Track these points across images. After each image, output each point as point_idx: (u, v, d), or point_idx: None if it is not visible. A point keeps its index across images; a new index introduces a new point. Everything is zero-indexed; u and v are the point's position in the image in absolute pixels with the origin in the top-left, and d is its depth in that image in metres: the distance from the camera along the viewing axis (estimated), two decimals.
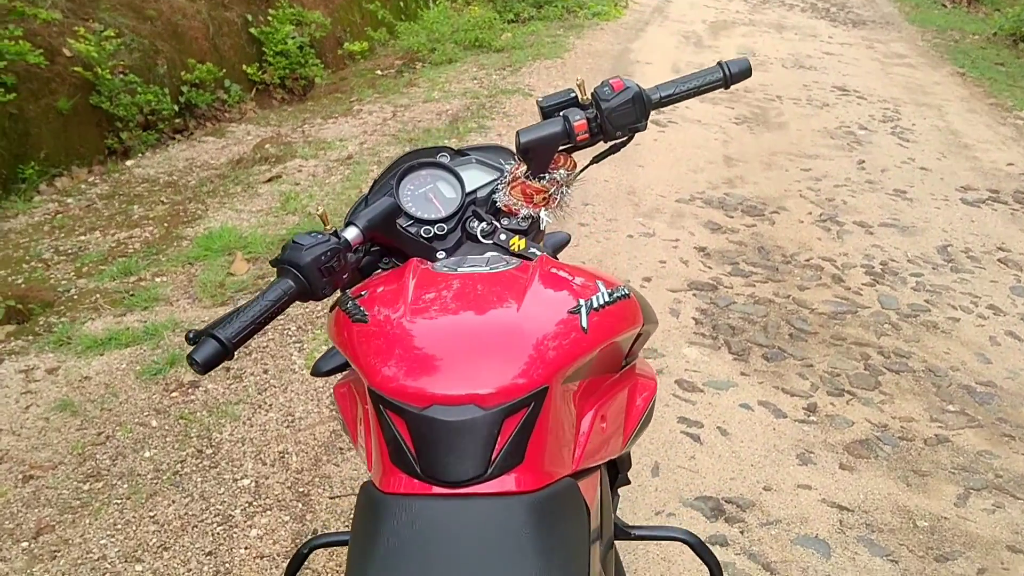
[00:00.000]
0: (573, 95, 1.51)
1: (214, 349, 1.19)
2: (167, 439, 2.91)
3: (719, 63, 1.56)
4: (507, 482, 1.07)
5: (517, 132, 1.47)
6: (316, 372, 1.56)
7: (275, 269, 1.29)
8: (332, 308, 1.34)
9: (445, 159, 1.62)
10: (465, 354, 1.09)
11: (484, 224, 1.52)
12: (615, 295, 1.27)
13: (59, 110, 5.95)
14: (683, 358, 3.53)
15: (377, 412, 1.12)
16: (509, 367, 1.08)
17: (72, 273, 4.20)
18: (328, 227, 1.33)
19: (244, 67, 7.40)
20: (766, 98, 7.40)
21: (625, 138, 1.54)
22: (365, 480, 1.18)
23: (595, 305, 1.21)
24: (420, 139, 6.03)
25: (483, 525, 1.05)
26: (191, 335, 1.21)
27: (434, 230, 1.51)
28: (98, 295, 3.90)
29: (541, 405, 1.08)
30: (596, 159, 1.61)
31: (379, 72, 8.41)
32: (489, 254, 1.36)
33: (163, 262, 4.24)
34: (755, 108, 7.12)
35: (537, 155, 1.48)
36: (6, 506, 2.58)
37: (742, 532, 2.62)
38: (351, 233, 1.35)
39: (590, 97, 1.50)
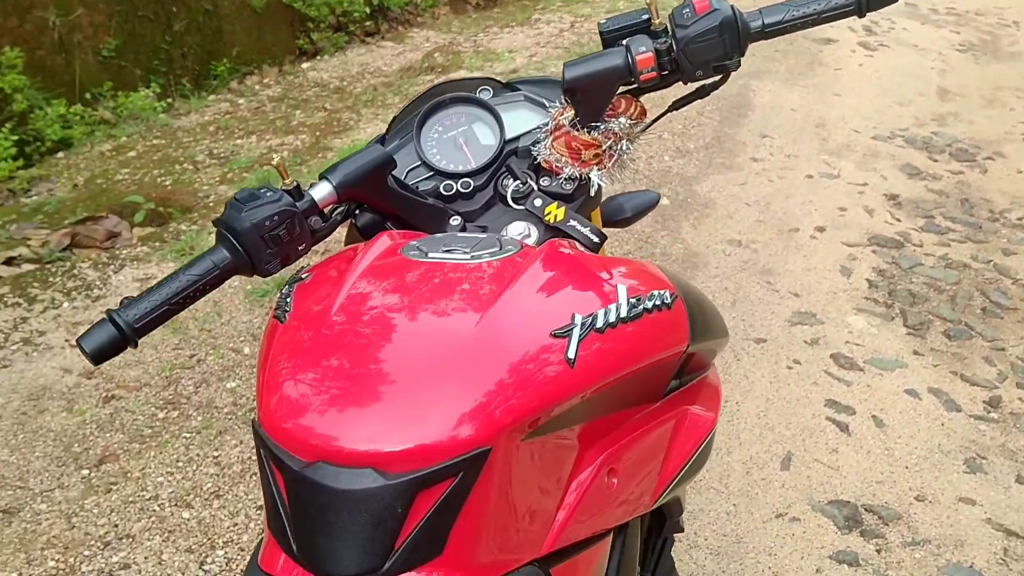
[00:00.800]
0: (646, 16, 1.12)
1: (108, 336, 0.94)
2: (254, 370, 2.75)
3: None
4: None
5: (564, 65, 1.10)
6: None
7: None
8: None
9: (487, 94, 1.27)
10: (380, 390, 0.77)
11: (517, 183, 1.17)
12: (642, 306, 0.90)
13: (253, 8, 5.94)
14: (846, 327, 3.05)
15: (259, 457, 0.82)
16: (434, 416, 0.75)
17: (217, 178, 4.14)
18: (287, 180, 1.02)
19: None
20: (1000, 23, 6.45)
21: (715, 78, 1.14)
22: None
23: (600, 324, 0.85)
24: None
25: None
26: (125, 303, 0.97)
27: (457, 186, 1.18)
28: None
29: (476, 474, 0.75)
30: (675, 105, 1.21)
31: None
32: (484, 235, 1.00)
33: (303, 174, 4.10)
34: (984, 34, 6.21)
35: (588, 96, 1.11)
36: (81, 427, 2.51)
37: (879, 551, 2.19)
38: (321, 191, 1.04)
39: (666, 21, 1.11)
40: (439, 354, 0.79)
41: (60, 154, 4.93)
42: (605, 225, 1.44)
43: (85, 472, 2.34)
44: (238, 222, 0.97)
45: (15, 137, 4.63)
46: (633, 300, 0.90)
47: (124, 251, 3.42)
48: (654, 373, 0.97)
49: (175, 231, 3.59)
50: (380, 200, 1.10)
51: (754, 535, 2.22)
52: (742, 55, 1.09)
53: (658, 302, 0.93)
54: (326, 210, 1.06)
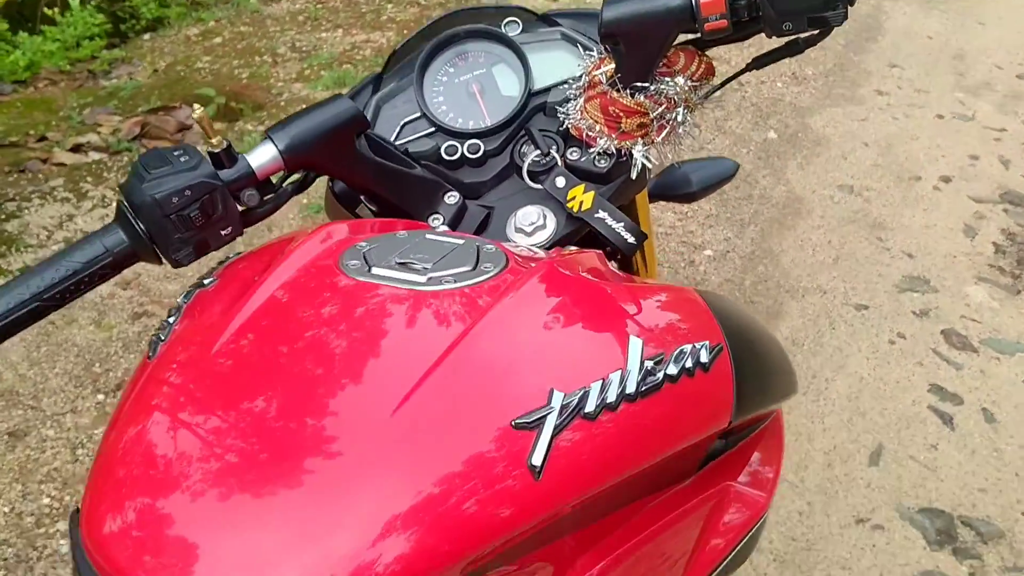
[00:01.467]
0: None
1: None
2: None
3: None
4: None
5: (604, 1, 0.81)
6: None
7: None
8: None
9: (515, 28, 0.98)
10: (245, 502, 0.50)
11: (538, 153, 0.89)
12: (663, 372, 0.61)
13: None
14: (963, 299, 2.69)
15: (72, 558, 0.58)
16: (310, 556, 0.48)
17: (294, 74, 3.92)
18: (213, 140, 0.76)
19: None
20: None
21: (811, 33, 0.83)
22: None
23: (591, 407, 0.57)
24: None
25: None
26: None
27: (463, 149, 0.91)
28: (303, 105, 3.58)
29: None
30: (755, 64, 0.90)
31: None
32: (462, 240, 0.71)
33: None
34: None
35: (633, 47, 0.82)
36: (107, 343, 2.35)
37: (972, 575, 1.90)
38: (260, 157, 0.78)
39: None
40: (338, 450, 0.52)
41: (147, 36, 4.79)
42: (666, 199, 1.15)
43: (100, 397, 2.19)
44: (138, 195, 0.71)
45: (102, 16, 4.49)
46: (650, 363, 0.61)
47: None
48: (677, 458, 0.69)
49: (240, 131, 3.38)
50: (345, 170, 0.83)
51: (828, 542, 1.94)
52: (851, 4, 0.78)
53: (689, 363, 0.63)
54: (274, 179, 0.80)
